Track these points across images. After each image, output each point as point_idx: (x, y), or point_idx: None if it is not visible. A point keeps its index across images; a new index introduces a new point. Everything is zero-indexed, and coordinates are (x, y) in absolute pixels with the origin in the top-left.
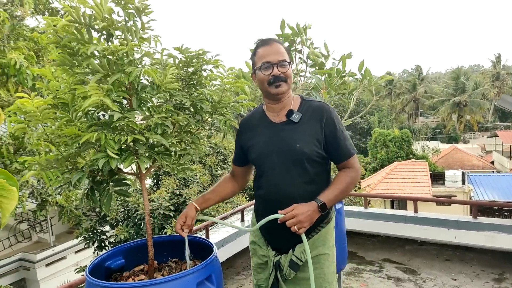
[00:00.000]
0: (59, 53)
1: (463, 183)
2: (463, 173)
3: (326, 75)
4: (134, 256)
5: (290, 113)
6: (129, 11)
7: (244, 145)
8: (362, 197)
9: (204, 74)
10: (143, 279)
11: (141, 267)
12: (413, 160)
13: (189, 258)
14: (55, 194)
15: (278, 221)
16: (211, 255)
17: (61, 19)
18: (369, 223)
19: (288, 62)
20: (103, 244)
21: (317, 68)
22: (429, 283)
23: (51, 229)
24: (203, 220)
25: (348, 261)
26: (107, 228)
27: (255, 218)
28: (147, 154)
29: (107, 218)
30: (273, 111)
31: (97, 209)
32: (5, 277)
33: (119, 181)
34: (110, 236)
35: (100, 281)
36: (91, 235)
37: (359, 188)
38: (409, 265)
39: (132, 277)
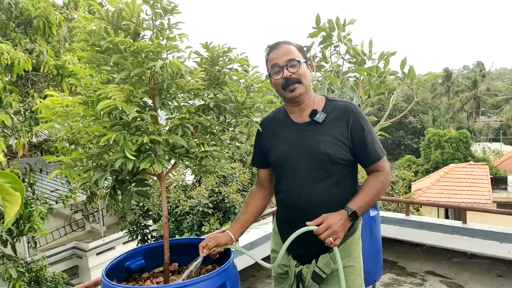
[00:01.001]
0: (87, 50)
1: None
2: None
3: (366, 74)
4: (155, 257)
5: (313, 113)
6: (157, 10)
7: (264, 146)
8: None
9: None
10: (161, 282)
11: (161, 268)
12: (471, 162)
13: (192, 269)
14: (103, 188)
15: (314, 233)
16: (227, 262)
17: (92, 17)
18: (411, 231)
19: (298, 60)
20: (145, 238)
21: (356, 66)
22: None
23: (103, 220)
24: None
25: (387, 271)
26: (150, 222)
27: (277, 225)
28: (166, 156)
29: (150, 213)
30: (295, 112)
31: (141, 204)
32: (60, 264)
33: (141, 181)
34: (153, 230)
35: (113, 283)
36: (135, 228)
37: (409, 191)
38: (456, 280)
39: (151, 278)
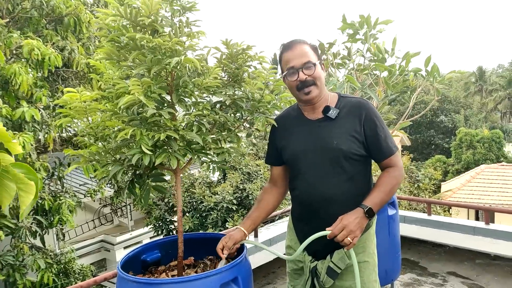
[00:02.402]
0: (106, 46)
1: None
2: None
3: (386, 72)
4: (172, 250)
5: (327, 109)
6: (175, 8)
7: (279, 143)
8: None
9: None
10: (176, 275)
11: (176, 262)
12: (504, 163)
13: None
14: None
15: (328, 237)
16: (240, 256)
17: (112, 13)
18: (433, 232)
19: (313, 63)
20: (170, 233)
21: (376, 63)
22: None
23: (130, 214)
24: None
25: (408, 270)
26: (175, 218)
27: (292, 221)
28: (181, 151)
29: (175, 209)
30: (308, 110)
31: (166, 199)
32: (88, 256)
33: (158, 176)
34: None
35: (128, 275)
36: (160, 224)
37: (439, 191)
38: (478, 281)
39: (167, 271)
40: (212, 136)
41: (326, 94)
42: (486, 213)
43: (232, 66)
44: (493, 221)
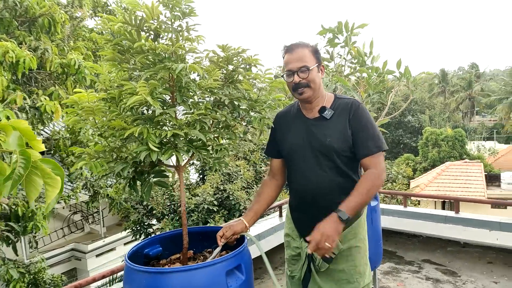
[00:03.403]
0: (110, 49)
1: None
2: None
3: (366, 74)
4: (171, 245)
5: (322, 109)
6: (175, 13)
7: (278, 138)
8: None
9: (242, 72)
10: None
11: (178, 255)
12: (466, 160)
13: (214, 257)
14: (106, 187)
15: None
16: (242, 245)
17: (116, 18)
18: (408, 222)
19: (308, 67)
20: (149, 237)
21: (357, 66)
22: (469, 285)
23: (103, 220)
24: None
25: (386, 260)
26: (153, 221)
27: (289, 212)
28: (185, 148)
29: (154, 212)
30: (306, 108)
31: (145, 203)
32: (58, 266)
33: (159, 173)
34: (157, 229)
35: (136, 265)
36: (138, 228)
37: (408, 188)
38: (450, 267)
39: (168, 264)
40: (211, 133)
41: (324, 94)
42: (456, 203)
43: (229, 68)
44: (458, 211)
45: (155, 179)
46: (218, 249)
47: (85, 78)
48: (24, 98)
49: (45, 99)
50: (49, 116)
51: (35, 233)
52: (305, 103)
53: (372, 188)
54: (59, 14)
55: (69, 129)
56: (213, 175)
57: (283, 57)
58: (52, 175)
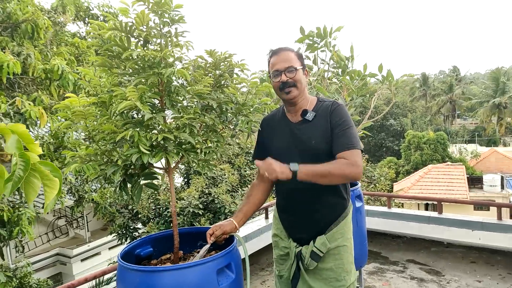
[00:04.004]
0: (99, 54)
1: (502, 187)
2: (502, 177)
3: (348, 77)
4: (162, 245)
5: (304, 112)
6: (164, 19)
7: (265, 142)
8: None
9: (229, 77)
10: None
11: (168, 256)
12: (449, 163)
13: (202, 255)
14: (91, 192)
15: (314, 222)
16: (231, 245)
17: (105, 25)
18: (393, 223)
19: (295, 67)
20: (140, 238)
21: (340, 70)
22: (453, 284)
23: (87, 225)
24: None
25: (371, 260)
26: (139, 225)
27: (277, 212)
28: (175, 151)
29: (139, 216)
30: (291, 111)
31: (130, 207)
32: (42, 271)
33: (149, 175)
34: (142, 233)
35: (130, 264)
36: (124, 232)
37: (392, 191)
38: (434, 267)
39: (159, 264)
40: (200, 137)
41: (307, 97)
42: (439, 204)
43: (216, 73)
44: (441, 211)
45: (145, 181)
46: (206, 246)
47: (68, 83)
48: (10, 104)
49: (29, 104)
50: (33, 121)
51: (21, 238)
52: (290, 105)
53: (338, 171)
54: (42, 20)
55: (52, 134)
56: (197, 179)
57: (269, 61)
58: (51, 176)
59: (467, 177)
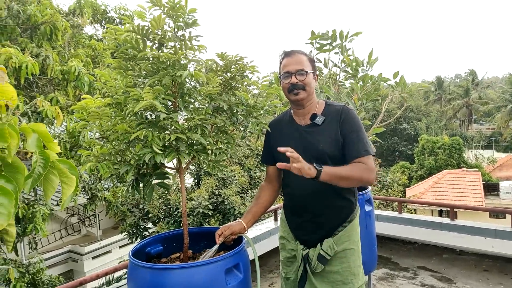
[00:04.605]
0: (115, 57)
1: None
2: None
3: (361, 81)
4: (172, 244)
5: (314, 116)
6: (179, 23)
7: (272, 145)
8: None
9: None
10: None
11: (178, 254)
12: (464, 169)
13: (211, 254)
14: (104, 190)
15: (322, 225)
16: (240, 245)
17: (121, 29)
18: (403, 228)
19: (306, 71)
20: (151, 236)
21: (351, 74)
22: None
23: (99, 223)
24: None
25: (381, 266)
26: (149, 224)
27: (284, 214)
28: (187, 151)
29: (150, 215)
30: (299, 115)
31: (141, 206)
32: (55, 267)
33: (161, 175)
34: (152, 232)
35: (141, 262)
36: (135, 231)
37: (404, 196)
38: (445, 274)
39: (169, 263)
40: (210, 138)
41: (315, 101)
42: (452, 211)
43: (227, 76)
44: (453, 218)
45: (157, 181)
46: (215, 247)
47: (84, 84)
48: (26, 103)
49: (46, 104)
50: (50, 121)
51: (34, 234)
52: (298, 108)
53: (357, 172)
54: (60, 22)
55: (69, 133)
56: (208, 180)
57: (281, 62)
58: (69, 174)
59: (483, 183)
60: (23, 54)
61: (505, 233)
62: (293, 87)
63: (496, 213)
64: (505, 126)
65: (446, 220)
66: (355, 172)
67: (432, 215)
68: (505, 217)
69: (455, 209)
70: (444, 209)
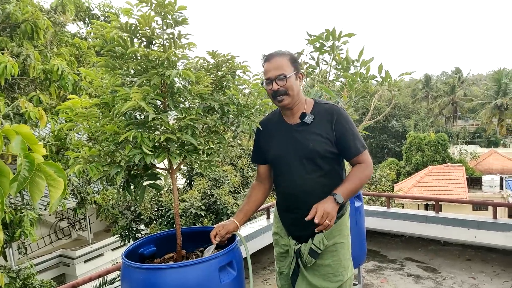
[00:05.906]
0: (102, 55)
1: (501, 188)
2: (501, 178)
3: (350, 79)
4: (165, 244)
5: (303, 115)
6: (168, 21)
7: (262, 145)
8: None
9: (231, 78)
10: None
11: (171, 254)
12: (449, 164)
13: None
14: (93, 193)
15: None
16: (233, 243)
17: (108, 25)
18: (391, 222)
19: (285, 75)
20: (144, 237)
21: (342, 72)
22: (449, 281)
23: (90, 227)
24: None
25: (370, 259)
26: (142, 226)
27: (277, 211)
28: (177, 152)
29: (142, 217)
30: (288, 114)
31: (133, 208)
32: (46, 272)
33: (152, 176)
34: (145, 234)
35: (134, 263)
36: (127, 233)
37: (392, 191)
38: (430, 264)
39: (162, 263)
40: (201, 138)
41: (303, 100)
42: (437, 204)
43: (218, 74)
44: (438, 211)
45: (148, 182)
46: (212, 247)
47: (68, 84)
48: (8, 105)
49: (31, 105)
50: (34, 123)
51: (23, 239)
52: (285, 110)
53: (363, 177)
54: (42, 20)
55: (55, 135)
56: (200, 180)
57: (263, 66)
58: (56, 177)
59: (467, 178)
60: (3, 54)
61: (487, 224)
62: (276, 94)
63: (479, 206)
64: (488, 122)
65: (431, 213)
66: (363, 177)
67: (418, 209)
68: (487, 209)
69: (439, 203)
70: (429, 203)
